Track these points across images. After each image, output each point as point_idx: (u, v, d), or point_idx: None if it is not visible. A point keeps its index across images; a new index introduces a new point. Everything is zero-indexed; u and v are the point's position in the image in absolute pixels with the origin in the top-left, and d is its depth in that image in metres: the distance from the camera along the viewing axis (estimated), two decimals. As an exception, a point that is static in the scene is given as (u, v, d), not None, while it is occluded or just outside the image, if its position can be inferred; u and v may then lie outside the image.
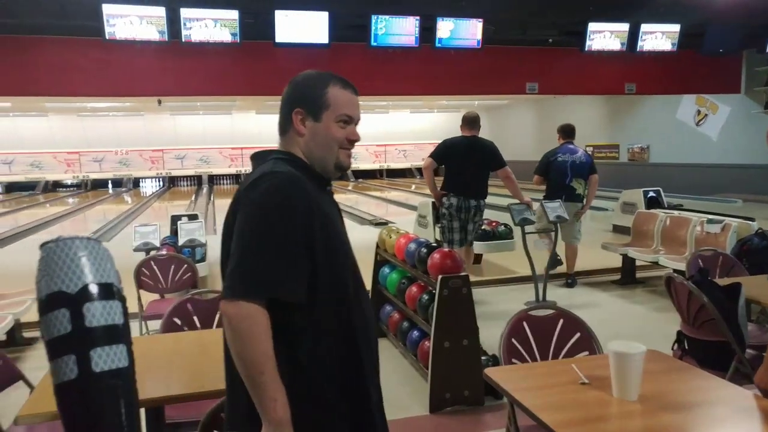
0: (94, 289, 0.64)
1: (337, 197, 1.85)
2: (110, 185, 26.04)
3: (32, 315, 4.91)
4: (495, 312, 5.56)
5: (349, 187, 23.24)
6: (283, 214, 1.52)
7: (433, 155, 6.02)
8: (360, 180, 26.93)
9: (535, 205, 6.49)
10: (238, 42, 7.30)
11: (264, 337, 1.45)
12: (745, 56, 10.55)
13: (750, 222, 6.15)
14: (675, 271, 5.25)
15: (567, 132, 6.97)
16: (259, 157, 1.71)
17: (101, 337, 0.65)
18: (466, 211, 5.93)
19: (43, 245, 0.67)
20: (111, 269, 0.69)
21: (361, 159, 27.56)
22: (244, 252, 1.49)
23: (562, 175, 6.76)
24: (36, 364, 4.51)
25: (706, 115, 14.09)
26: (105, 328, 0.64)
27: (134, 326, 4.94)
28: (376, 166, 29.05)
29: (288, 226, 1.52)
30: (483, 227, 6.76)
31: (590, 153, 19.59)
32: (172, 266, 4.91)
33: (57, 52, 7.94)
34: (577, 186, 6.76)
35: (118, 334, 0.66)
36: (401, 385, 4.14)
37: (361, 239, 6.66)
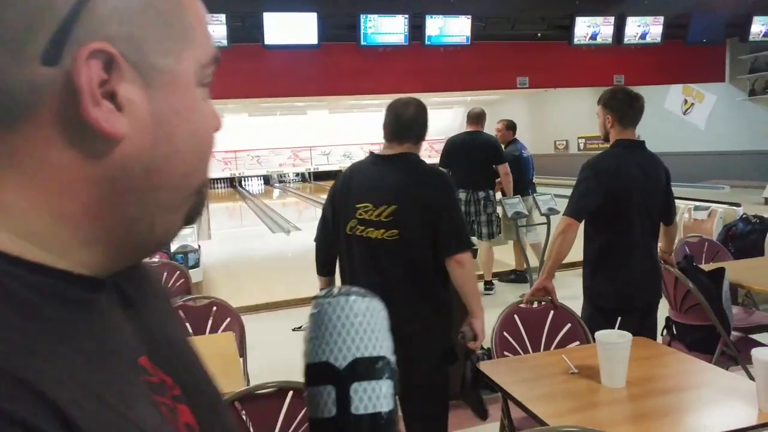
0: (364, 364, 0.56)
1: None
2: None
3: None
4: (489, 306, 5.63)
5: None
6: None
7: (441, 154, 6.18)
8: None
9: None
10: (226, 45, 7.30)
11: None
12: (729, 45, 10.63)
13: (736, 207, 6.24)
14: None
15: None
16: (404, 158, 2.56)
17: (367, 428, 0.56)
18: (475, 203, 6.02)
19: (315, 298, 0.59)
20: (385, 335, 0.58)
21: (356, 158, 27.47)
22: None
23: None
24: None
25: (692, 104, 14.17)
26: (371, 417, 0.55)
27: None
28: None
29: None
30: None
31: (582, 144, 19.82)
32: (165, 273, 4.71)
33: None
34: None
35: (381, 425, 0.57)
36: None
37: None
